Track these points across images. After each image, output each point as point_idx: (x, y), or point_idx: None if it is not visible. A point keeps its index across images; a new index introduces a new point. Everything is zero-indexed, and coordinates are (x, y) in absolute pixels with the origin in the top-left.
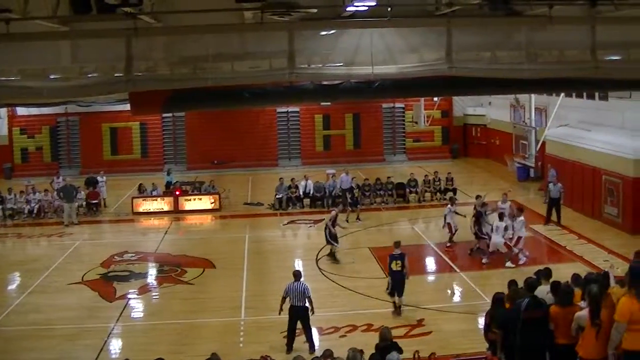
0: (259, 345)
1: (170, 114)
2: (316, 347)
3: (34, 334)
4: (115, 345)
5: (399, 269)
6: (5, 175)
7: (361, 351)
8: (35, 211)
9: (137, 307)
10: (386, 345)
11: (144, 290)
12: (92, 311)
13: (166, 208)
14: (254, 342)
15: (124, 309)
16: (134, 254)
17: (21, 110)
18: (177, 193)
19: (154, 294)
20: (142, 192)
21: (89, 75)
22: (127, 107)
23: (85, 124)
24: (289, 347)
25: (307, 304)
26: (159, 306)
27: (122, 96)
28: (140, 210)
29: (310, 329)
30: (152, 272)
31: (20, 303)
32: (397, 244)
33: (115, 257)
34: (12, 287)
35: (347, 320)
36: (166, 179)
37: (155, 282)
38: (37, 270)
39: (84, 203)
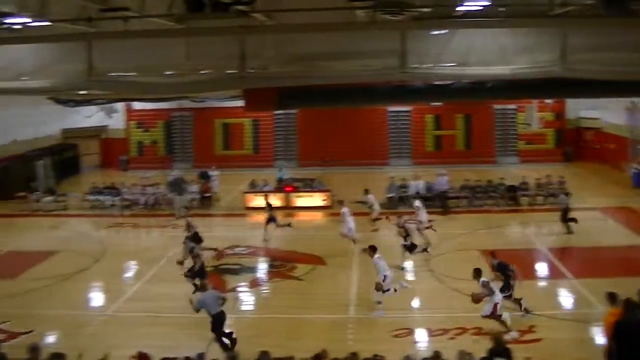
0: (367, 344)
1: (282, 111)
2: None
3: (148, 321)
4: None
5: None
6: (121, 167)
7: (470, 354)
8: (150, 202)
9: (246, 300)
10: (496, 350)
11: (253, 284)
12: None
13: (277, 204)
14: (363, 340)
15: (233, 302)
16: (244, 248)
17: (137, 105)
18: (288, 189)
19: (263, 288)
20: (254, 188)
21: (203, 72)
22: (240, 103)
23: (198, 119)
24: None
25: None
26: (267, 300)
27: (235, 92)
28: (252, 205)
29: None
30: (262, 266)
31: (136, 290)
32: None
33: (227, 250)
34: (129, 275)
35: (456, 322)
36: (278, 175)
37: (265, 277)
38: (152, 260)
39: (198, 196)
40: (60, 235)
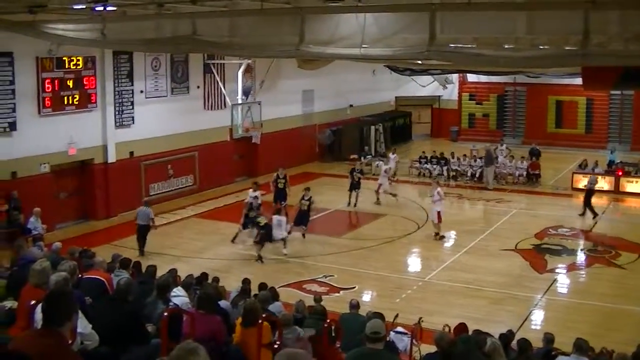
0: None
1: (618, 92)
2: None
3: (463, 291)
4: (538, 317)
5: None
6: (451, 137)
7: None
8: (477, 175)
9: (565, 282)
10: None
11: (573, 267)
12: (521, 280)
13: (606, 187)
14: None
15: (552, 283)
16: (568, 230)
17: (471, 77)
18: (619, 173)
19: (582, 272)
20: (583, 168)
21: (540, 47)
22: (574, 80)
23: (531, 94)
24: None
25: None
26: (586, 285)
27: (571, 70)
28: (580, 186)
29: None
30: (584, 250)
31: (454, 260)
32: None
33: (550, 230)
34: (448, 245)
35: None
36: (609, 157)
37: (586, 261)
38: (473, 232)
39: (525, 173)
40: (387, 199)
